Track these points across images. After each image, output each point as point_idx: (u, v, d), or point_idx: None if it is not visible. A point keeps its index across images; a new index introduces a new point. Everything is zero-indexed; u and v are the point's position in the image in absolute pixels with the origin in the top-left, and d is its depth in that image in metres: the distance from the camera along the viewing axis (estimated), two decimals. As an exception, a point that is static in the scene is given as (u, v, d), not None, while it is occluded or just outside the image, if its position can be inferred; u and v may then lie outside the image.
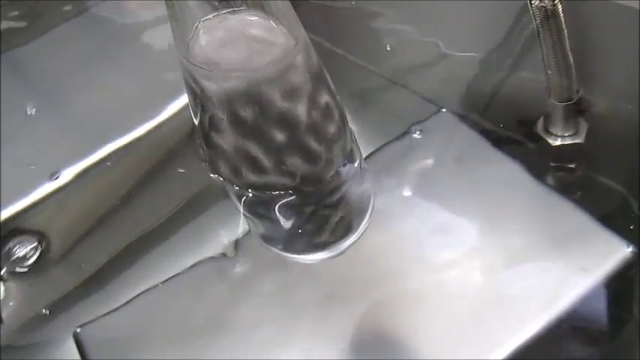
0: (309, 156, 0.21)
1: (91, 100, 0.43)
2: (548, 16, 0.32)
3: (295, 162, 0.21)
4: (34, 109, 0.43)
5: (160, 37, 0.44)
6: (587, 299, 0.29)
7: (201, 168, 0.36)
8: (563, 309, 0.29)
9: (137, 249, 0.41)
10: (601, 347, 0.32)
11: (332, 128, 0.22)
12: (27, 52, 0.46)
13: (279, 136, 0.20)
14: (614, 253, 0.30)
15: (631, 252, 0.30)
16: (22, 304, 0.40)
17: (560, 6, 0.32)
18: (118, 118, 0.41)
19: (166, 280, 0.34)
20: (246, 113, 0.19)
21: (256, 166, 0.21)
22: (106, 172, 0.40)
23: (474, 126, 0.38)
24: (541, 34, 0.33)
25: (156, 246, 0.40)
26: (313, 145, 0.21)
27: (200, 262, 0.34)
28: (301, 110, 0.20)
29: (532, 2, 0.32)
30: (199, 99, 0.20)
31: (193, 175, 0.41)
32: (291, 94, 0.20)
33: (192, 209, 0.42)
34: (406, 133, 0.37)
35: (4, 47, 0.45)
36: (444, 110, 0.38)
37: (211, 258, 0.34)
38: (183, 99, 0.41)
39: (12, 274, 0.39)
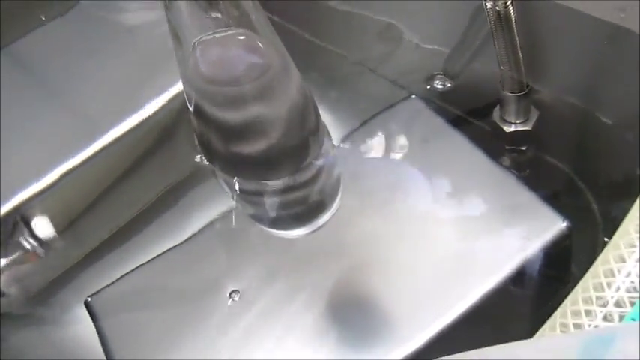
0: (292, 151, 0.25)
1: (86, 91, 0.43)
2: (501, 18, 0.34)
3: (280, 157, 0.24)
4: (31, 102, 0.43)
5: (153, 31, 0.44)
6: (529, 263, 0.32)
7: (191, 153, 0.38)
8: (510, 272, 0.32)
9: (137, 224, 0.43)
10: (544, 303, 0.34)
11: (310, 125, 0.25)
12: (23, 46, 0.46)
13: (266, 139, 0.24)
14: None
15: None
16: (31, 277, 0.42)
17: (511, 8, 0.33)
18: (112, 108, 0.42)
19: (168, 250, 0.36)
20: (238, 122, 0.23)
21: (246, 167, 0.25)
22: (103, 160, 0.41)
23: (440, 112, 0.39)
24: (495, 34, 0.35)
25: (156, 219, 0.43)
26: (294, 142, 0.25)
27: (199, 232, 0.36)
28: (285, 115, 0.24)
29: (486, 5, 0.34)
30: (198, 110, 0.24)
31: (185, 159, 0.43)
32: (277, 103, 0.23)
33: (185, 188, 0.44)
34: (376, 116, 0.39)
35: (2, 42, 0.45)
36: (413, 96, 0.40)
37: (210, 229, 0.36)
38: (174, 90, 0.43)
39: (19, 251, 0.41)
